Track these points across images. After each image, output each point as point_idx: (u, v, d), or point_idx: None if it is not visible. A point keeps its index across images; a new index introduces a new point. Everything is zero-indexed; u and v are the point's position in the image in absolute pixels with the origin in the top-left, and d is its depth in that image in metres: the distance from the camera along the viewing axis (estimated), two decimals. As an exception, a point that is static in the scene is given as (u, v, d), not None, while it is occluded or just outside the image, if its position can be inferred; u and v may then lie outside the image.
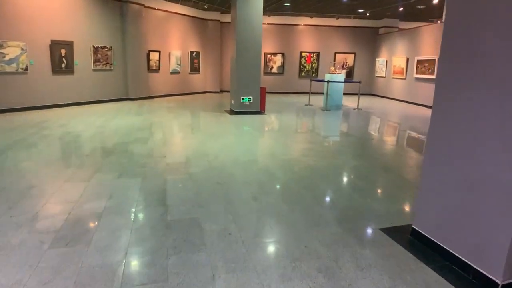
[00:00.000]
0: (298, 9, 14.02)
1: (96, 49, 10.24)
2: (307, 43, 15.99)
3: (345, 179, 4.25)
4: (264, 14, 14.66)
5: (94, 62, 10.25)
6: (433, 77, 11.79)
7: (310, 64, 16.15)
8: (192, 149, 5.33)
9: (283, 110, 10.84)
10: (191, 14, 13.98)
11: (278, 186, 3.81)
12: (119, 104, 10.49)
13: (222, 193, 3.51)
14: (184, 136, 6.51)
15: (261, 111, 9.43)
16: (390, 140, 6.88)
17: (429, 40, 12.18)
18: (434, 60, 11.71)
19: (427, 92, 12.32)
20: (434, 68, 11.75)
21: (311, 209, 3.19)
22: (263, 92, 9.51)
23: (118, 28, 10.98)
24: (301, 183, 3.88)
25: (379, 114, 10.59)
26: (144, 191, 3.50)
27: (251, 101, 9.17)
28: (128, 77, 11.40)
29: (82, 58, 9.88)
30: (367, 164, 4.90)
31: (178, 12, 13.33)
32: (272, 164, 4.68)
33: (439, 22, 12.07)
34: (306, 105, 11.84)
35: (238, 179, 3.98)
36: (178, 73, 13.65)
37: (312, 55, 16.06)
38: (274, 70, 15.95)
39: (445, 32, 2.42)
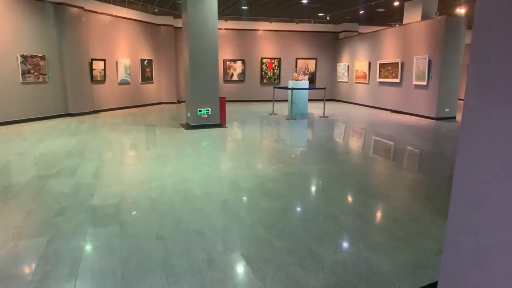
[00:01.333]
0: (256, 14, 13.30)
1: (25, 59, 8.76)
2: (267, 49, 15.32)
3: (327, 219, 3.42)
4: (220, 18, 13.84)
5: (23, 74, 8.76)
6: (397, 80, 11.52)
7: (271, 70, 15.48)
8: (132, 181, 4.26)
9: (246, 121, 9.97)
10: (140, 19, 12.77)
11: (242, 238, 2.86)
12: (55, 121, 9.05)
13: (161, 256, 2.50)
14: (126, 162, 5.39)
15: (221, 124, 8.48)
16: (367, 154, 6.20)
17: (390, 43, 11.92)
18: (397, 63, 11.43)
19: (391, 96, 12.02)
20: (397, 72, 11.48)
21: (293, 277, 2.29)
22: (223, 102, 8.57)
23: (53, 34, 9.56)
24: (272, 230, 2.96)
25: (347, 121, 10.03)
26: (42, 265, 2.40)
27: (210, 113, 8.20)
28: (67, 90, 9.97)
29: (7, 69, 8.38)
30: (351, 189, 4.12)
31: (126, 16, 12.08)
32: (234, 198, 3.75)
33: (397, 25, 11.87)
34: (270, 114, 11.06)
35: (187, 227, 2.99)
36: (127, 83, 12.35)
37: (273, 61, 15.40)
38: (235, 77, 15.08)
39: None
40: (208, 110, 8.16)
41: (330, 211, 3.38)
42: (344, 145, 6.75)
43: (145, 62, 13.06)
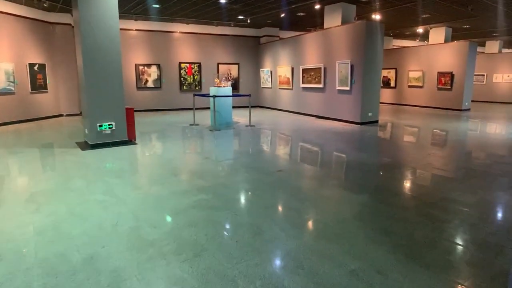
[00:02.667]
0: (170, 14, 12.00)
1: None
2: (186, 53, 14.07)
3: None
4: (128, 18, 12.26)
5: None
6: (320, 86, 11.30)
7: (191, 76, 14.27)
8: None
9: (162, 134, 8.64)
10: (27, 16, 10.51)
11: None
12: None
13: None
14: (-18, 204, 3.78)
15: (130, 140, 7.06)
16: (301, 171, 5.46)
17: (312, 48, 11.69)
18: (320, 68, 11.22)
19: (315, 102, 11.79)
20: (320, 77, 11.26)
21: None
22: (131, 114, 7.17)
23: None
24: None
25: (274, 130, 9.36)
26: None
27: (114, 128, 6.73)
28: None
29: None
30: (297, 236, 3.24)
31: (5, 11, 9.78)
32: (131, 263, 2.57)
33: (318, 29, 11.74)
34: (191, 124, 9.88)
35: None
36: (12, 93, 10.01)
37: (193, 66, 14.21)
38: (150, 84, 13.50)
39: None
40: (111, 124, 6.69)
41: (273, 280, 2.43)
42: (275, 161, 5.94)
43: (35, 68, 10.79)
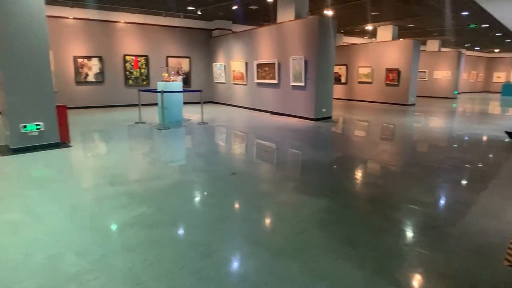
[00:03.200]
0: (112, 2, 10.96)
1: None
2: (131, 45, 13.03)
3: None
4: (63, 4, 10.95)
5: None
6: (275, 81, 11.02)
7: (138, 70, 13.27)
8: None
9: (103, 134, 7.79)
10: None
11: None
12: None
13: None
14: None
15: (62, 143, 6.19)
16: (257, 173, 5.07)
17: (266, 43, 11.36)
18: (274, 64, 10.93)
19: (270, 98, 11.51)
20: (274, 73, 10.98)
21: None
22: (63, 112, 6.29)
23: None
24: None
25: (228, 127, 8.90)
26: None
27: (42, 128, 5.84)
28: None
29: None
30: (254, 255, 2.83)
31: None
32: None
33: (271, 24, 11.44)
34: (137, 122, 9.08)
35: None
36: None
37: (139, 59, 13.22)
38: (91, 78, 12.30)
39: None
40: (39, 125, 5.78)
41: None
42: (229, 162, 5.50)
43: None
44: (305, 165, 5.34)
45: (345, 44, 18.43)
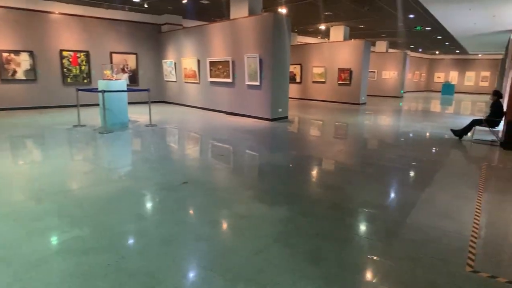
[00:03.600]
0: (45, -11, 9.81)
1: None
2: (69, 39, 11.84)
3: None
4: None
5: None
6: (229, 80, 10.61)
7: (78, 67, 12.12)
8: None
9: (35, 140, 6.86)
10: None
11: None
12: None
13: None
14: None
15: (-20, 151, 5.27)
16: (213, 180, 4.63)
17: (219, 40, 10.89)
18: (228, 61, 10.51)
19: (225, 97, 11.07)
20: (229, 71, 10.57)
21: None
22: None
23: None
24: None
25: (179, 130, 8.33)
26: None
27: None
28: None
29: None
30: None
31: None
32: None
33: (224, 20, 11.00)
34: (75, 126, 8.17)
35: None
36: None
37: (78, 55, 12.07)
38: (20, 75, 10.93)
39: None
40: None
41: None
42: (180, 170, 5.00)
43: None
44: (262, 170, 5.01)
45: (299, 43, 18.52)
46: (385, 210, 3.49)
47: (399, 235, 2.93)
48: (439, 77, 30.81)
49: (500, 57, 24.55)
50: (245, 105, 10.30)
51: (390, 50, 22.66)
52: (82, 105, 11.58)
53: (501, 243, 2.84)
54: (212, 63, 11.23)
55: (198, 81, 12.16)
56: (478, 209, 3.51)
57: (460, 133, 7.31)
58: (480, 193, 3.97)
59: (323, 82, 16.52)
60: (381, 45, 21.63)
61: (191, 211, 3.39)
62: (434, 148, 6.62)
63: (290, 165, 5.25)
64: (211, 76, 11.40)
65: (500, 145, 6.76)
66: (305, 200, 3.73)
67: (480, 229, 3.04)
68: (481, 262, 2.51)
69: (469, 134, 7.39)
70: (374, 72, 21.66)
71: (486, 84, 28.51)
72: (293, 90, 17.81)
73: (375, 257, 2.57)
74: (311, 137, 7.86)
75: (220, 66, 10.94)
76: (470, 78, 29.23)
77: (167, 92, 14.16)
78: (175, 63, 13.18)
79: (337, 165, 5.39)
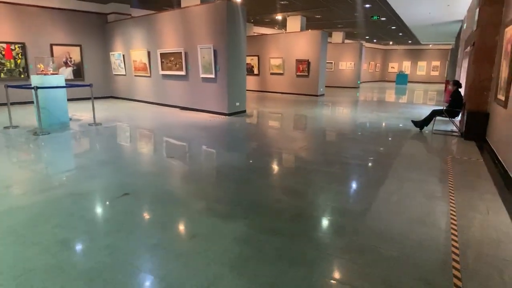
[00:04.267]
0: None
1: None
2: (0, 29, 10.46)
3: None
4: None
5: None
6: (183, 73, 9.91)
7: (12, 60, 10.76)
8: None
9: None
10: None
11: None
12: None
13: None
14: None
15: None
16: (160, 190, 4.04)
17: (171, 30, 10.11)
18: (181, 53, 9.79)
19: (178, 91, 10.36)
20: (181, 63, 9.85)
21: None
22: None
23: None
24: None
25: (128, 129, 7.57)
26: None
27: None
28: None
29: None
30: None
31: None
32: None
33: (174, 9, 10.21)
34: (6, 127, 7.13)
35: None
36: None
37: (12, 47, 10.70)
38: None
39: None
40: None
41: None
42: (122, 178, 4.36)
43: None
44: (218, 173, 4.50)
45: (255, 34, 18.03)
46: (355, 218, 3.15)
47: (374, 251, 2.57)
48: (393, 67, 31.87)
49: (450, 47, 25.79)
50: (200, 99, 9.68)
51: (347, 41, 22.90)
52: (17, 103, 10.33)
53: (487, 253, 2.56)
54: (163, 55, 10.43)
55: (149, 74, 11.30)
56: (453, 211, 3.28)
57: (421, 124, 7.27)
58: (451, 192, 3.77)
59: (281, 74, 16.23)
60: (337, 36, 21.75)
61: (126, 235, 2.82)
62: (396, 141, 6.48)
63: (250, 161, 4.80)
64: (163, 69, 10.61)
65: (461, 136, 6.79)
66: (265, 211, 3.30)
67: (461, 237, 2.77)
68: (469, 282, 2.20)
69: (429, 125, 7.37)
70: (331, 63, 21.77)
71: (436, 73, 29.95)
72: (251, 82, 17.36)
73: (349, 283, 2.19)
74: (271, 133, 7.46)
75: (172, 58, 10.18)
76: (422, 68, 30.53)
77: (116, 86, 13.10)
78: (123, 56, 12.16)
79: (299, 164, 5.02)
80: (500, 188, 3.89)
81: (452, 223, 3.01)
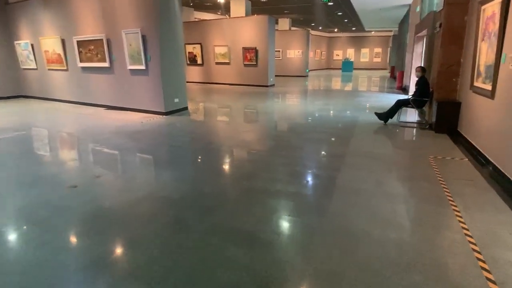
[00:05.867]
0: None
1: None
2: None
3: None
4: None
5: None
6: (106, 65, 8.16)
7: None
8: None
9: None
10: None
11: None
12: None
13: None
14: None
15: None
16: (59, 256, 2.57)
17: (87, 12, 8.23)
18: (102, 40, 8.01)
19: (103, 87, 8.58)
20: (104, 53, 8.09)
21: None
22: None
23: None
24: None
25: (34, 139, 5.77)
26: None
27: None
28: None
29: None
30: None
31: None
32: None
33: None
34: None
35: None
36: None
37: None
38: None
39: None
40: None
41: None
42: (12, 215, 2.81)
43: None
44: (139, 216, 3.06)
45: (197, 20, 16.37)
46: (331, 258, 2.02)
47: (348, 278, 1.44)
48: (338, 54, 31.94)
49: (391, 33, 26.20)
50: (130, 96, 8.04)
51: (293, 28, 22.08)
52: None
53: None
54: (81, 43, 8.54)
55: (65, 68, 9.29)
56: (477, 251, 2.29)
57: (385, 116, 6.46)
58: (459, 217, 2.81)
59: (228, 63, 14.87)
60: (284, 23, 20.81)
61: None
62: (363, 138, 5.55)
63: (190, 185, 3.47)
64: (81, 61, 8.71)
65: (430, 128, 6.07)
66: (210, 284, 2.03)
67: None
68: None
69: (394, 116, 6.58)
70: (279, 51, 20.84)
71: (379, 60, 30.52)
72: (194, 73, 15.80)
73: None
74: (219, 136, 6.14)
75: (92, 47, 8.35)
76: (365, 55, 30.93)
77: (27, 83, 10.80)
78: (32, 45, 9.94)
79: (259, 189, 3.79)
80: (508, 202, 3.04)
81: (483, 269, 2.00)
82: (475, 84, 4.87)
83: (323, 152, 4.80)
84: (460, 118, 5.57)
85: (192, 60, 15.79)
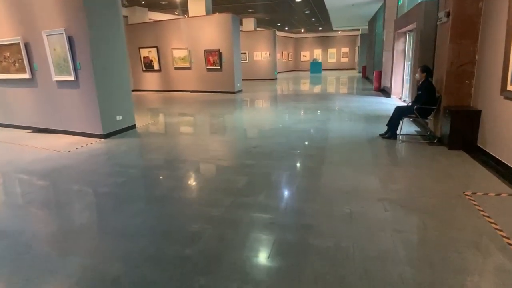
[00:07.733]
0: None
1: None
2: None
3: None
4: None
5: None
6: (27, 76, 6.34)
7: None
8: None
9: None
10: None
11: None
12: None
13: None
14: None
15: None
16: None
17: (-4, 8, 6.39)
18: (19, 44, 6.20)
19: (25, 105, 6.75)
20: (22, 60, 6.28)
21: None
22: None
23: None
24: None
25: None
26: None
27: None
28: None
29: None
30: None
31: None
32: None
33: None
34: None
35: None
36: None
37: None
38: None
39: None
40: None
41: None
42: None
43: None
44: None
45: (151, 21, 14.61)
46: None
47: None
48: (305, 55, 31.12)
49: (358, 33, 25.65)
50: (58, 115, 6.27)
51: (258, 29, 20.81)
52: None
53: None
54: (-8, 49, 6.65)
55: (-24, 81, 7.32)
56: None
57: (391, 134, 5.21)
58: None
59: (188, 68, 13.26)
60: (248, 23, 19.47)
61: None
62: (360, 162, 4.22)
63: (129, 276, 1.93)
64: (-5, 71, 6.82)
65: (438, 142, 4.89)
66: None
67: None
68: None
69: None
70: (245, 53, 19.45)
71: (346, 60, 30.01)
72: (151, 80, 14.06)
73: None
74: (170, 173, 4.52)
75: (8, 54, 6.50)
76: (333, 55, 30.33)
77: None
78: None
79: (237, 228, 2.32)
80: None
81: None
82: (510, 88, 3.70)
83: (318, 183, 3.40)
84: (481, 131, 4.40)
85: (148, 66, 14.02)
